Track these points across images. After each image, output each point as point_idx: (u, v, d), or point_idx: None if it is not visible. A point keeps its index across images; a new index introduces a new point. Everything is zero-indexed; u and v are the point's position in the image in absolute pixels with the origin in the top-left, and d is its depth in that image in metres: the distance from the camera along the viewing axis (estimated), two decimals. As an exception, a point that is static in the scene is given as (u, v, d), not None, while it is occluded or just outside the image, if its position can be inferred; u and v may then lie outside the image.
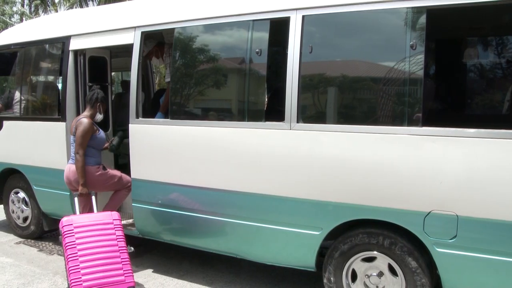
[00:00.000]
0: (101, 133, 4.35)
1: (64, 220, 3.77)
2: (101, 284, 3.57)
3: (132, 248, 3.99)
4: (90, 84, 4.58)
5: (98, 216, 3.89)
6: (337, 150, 3.17)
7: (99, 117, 4.37)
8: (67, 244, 3.64)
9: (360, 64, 3.33)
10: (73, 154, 4.24)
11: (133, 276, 3.74)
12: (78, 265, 3.56)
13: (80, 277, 3.53)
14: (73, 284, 3.53)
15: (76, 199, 4.22)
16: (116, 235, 3.77)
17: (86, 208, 4.23)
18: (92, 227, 3.75)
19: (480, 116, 4.39)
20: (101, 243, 3.69)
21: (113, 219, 3.84)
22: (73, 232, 3.67)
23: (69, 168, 4.32)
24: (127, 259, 3.74)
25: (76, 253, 3.60)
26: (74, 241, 3.64)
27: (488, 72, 4.59)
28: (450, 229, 2.85)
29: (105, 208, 4.35)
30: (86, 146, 4.17)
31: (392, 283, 3.15)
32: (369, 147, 3.06)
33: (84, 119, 4.21)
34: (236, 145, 3.60)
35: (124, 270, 3.68)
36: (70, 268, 3.56)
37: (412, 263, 3.03)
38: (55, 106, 4.98)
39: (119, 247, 3.73)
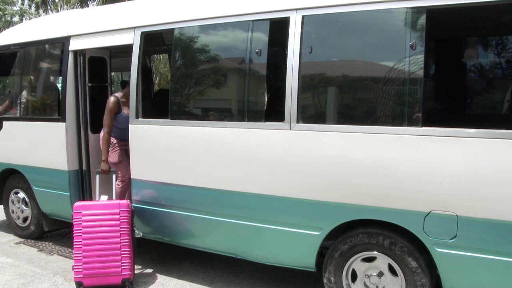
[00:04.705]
0: (124, 114, 4.46)
1: (75, 206, 4.03)
2: (98, 274, 3.86)
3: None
4: (90, 84, 4.59)
5: (107, 206, 4.01)
6: (337, 150, 3.17)
7: None
8: (74, 232, 3.94)
9: (360, 64, 3.32)
10: None
11: (130, 269, 3.88)
12: (81, 253, 3.88)
13: (81, 265, 3.86)
14: (75, 270, 3.89)
15: (97, 176, 4.38)
16: (120, 227, 3.94)
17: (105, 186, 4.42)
18: (98, 217, 3.94)
19: (480, 116, 4.39)
20: (104, 234, 3.92)
21: (120, 210, 3.97)
22: (80, 221, 3.93)
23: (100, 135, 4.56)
24: (127, 252, 3.90)
25: (81, 241, 3.90)
26: (81, 229, 3.93)
27: (488, 72, 4.59)
28: (450, 229, 2.85)
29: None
30: (110, 124, 4.35)
31: (392, 283, 3.15)
32: (369, 147, 3.06)
33: (110, 97, 4.42)
34: (236, 145, 3.59)
35: (122, 263, 3.88)
36: (75, 255, 3.90)
37: (412, 263, 3.03)
38: (55, 106, 4.97)
39: (120, 239, 3.91)
